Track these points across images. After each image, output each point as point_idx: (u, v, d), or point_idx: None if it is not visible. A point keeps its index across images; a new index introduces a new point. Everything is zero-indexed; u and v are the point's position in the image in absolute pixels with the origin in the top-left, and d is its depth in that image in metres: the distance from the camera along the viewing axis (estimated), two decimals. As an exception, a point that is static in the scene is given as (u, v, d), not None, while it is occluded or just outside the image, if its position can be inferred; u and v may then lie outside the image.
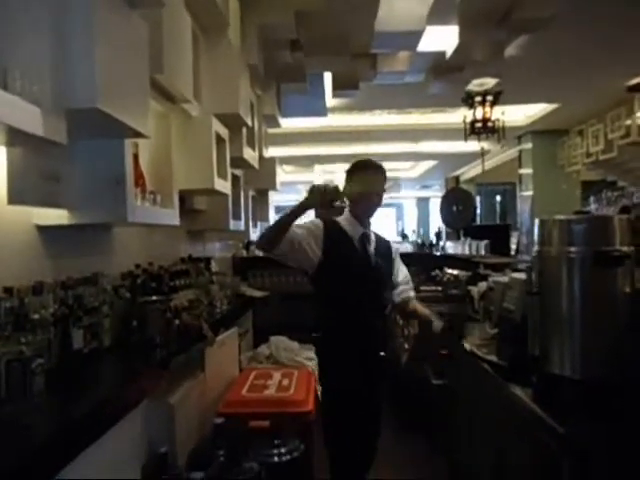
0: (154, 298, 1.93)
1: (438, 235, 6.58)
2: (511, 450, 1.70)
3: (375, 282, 2.17)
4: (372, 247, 2.20)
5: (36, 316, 1.33)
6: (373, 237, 2.23)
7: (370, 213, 2.20)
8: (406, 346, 3.75)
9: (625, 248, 1.39)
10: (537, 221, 1.58)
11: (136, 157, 1.83)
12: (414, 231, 8.60)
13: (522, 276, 1.85)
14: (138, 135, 1.59)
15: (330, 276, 2.08)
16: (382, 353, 2.19)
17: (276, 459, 2.08)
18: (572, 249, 1.43)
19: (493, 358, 1.92)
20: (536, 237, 1.57)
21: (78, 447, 1.14)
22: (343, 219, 2.18)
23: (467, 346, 2.25)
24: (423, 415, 3.17)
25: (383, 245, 2.28)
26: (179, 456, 1.97)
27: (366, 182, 2.14)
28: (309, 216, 2.25)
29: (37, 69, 1.15)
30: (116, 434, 1.34)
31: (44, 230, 1.61)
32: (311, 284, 2.17)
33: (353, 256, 2.13)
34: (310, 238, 2.06)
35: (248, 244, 4.93)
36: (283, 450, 2.11)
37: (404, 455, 2.88)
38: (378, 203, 2.17)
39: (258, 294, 3.86)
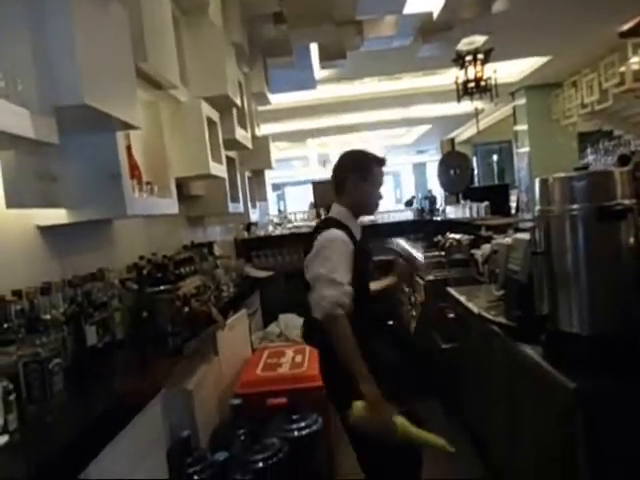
0: (161, 288, 1.94)
1: (431, 200, 6.39)
2: (523, 407, 1.74)
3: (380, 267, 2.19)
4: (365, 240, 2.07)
5: (47, 316, 1.34)
6: None
7: (375, 210, 2.08)
8: (413, 313, 3.79)
9: (627, 201, 1.39)
10: (537, 180, 1.57)
11: (129, 149, 1.81)
12: (414, 197, 8.54)
13: (525, 236, 1.85)
14: (129, 127, 1.57)
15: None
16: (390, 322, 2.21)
17: (296, 434, 2.13)
18: (574, 206, 1.43)
19: (501, 319, 1.95)
20: (537, 197, 1.56)
21: (103, 440, 1.16)
22: (345, 218, 1.94)
23: (474, 309, 2.27)
24: (435, 380, 3.22)
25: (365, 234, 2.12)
26: (201, 439, 2.02)
27: (381, 179, 1.98)
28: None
29: (20, 70, 1.13)
30: (138, 424, 1.36)
31: (46, 230, 1.61)
32: None
33: (366, 257, 2.00)
34: (345, 263, 1.81)
35: (249, 225, 4.93)
36: (302, 424, 2.16)
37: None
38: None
39: (263, 274, 3.88)
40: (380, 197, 2.02)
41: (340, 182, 1.97)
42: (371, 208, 2.04)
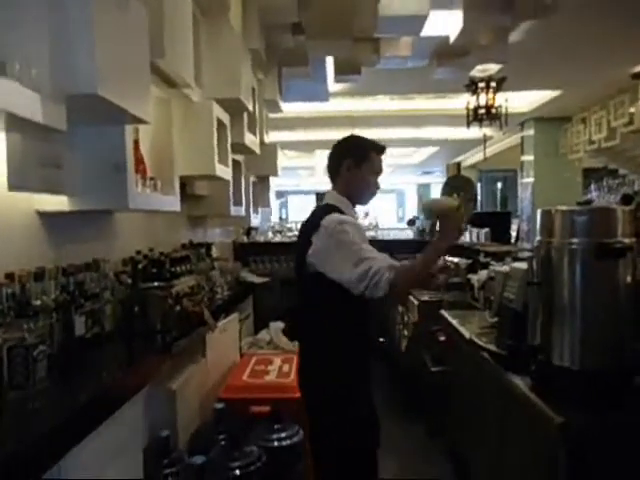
0: (155, 284, 1.93)
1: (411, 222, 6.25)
2: (509, 436, 1.72)
3: None
4: None
5: (38, 302, 1.33)
6: None
7: (370, 199, 1.94)
8: (405, 333, 3.77)
9: (627, 240, 1.39)
10: (539, 212, 1.57)
11: (137, 143, 1.82)
12: (417, 217, 8.54)
13: (523, 266, 1.85)
14: (139, 121, 1.58)
15: None
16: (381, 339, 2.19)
17: (276, 444, 2.10)
18: (574, 240, 1.43)
19: (492, 347, 1.94)
20: (538, 227, 1.56)
21: (81, 432, 1.15)
22: (345, 207, 1.84)
23: (466, 334, 2.26)
24: (421, 401, 3.20)
25: None
26: (180, 440, 1.99)
27: (378, 166, 1.87)
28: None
29: (36, 55, 1.13)
30: (118, 419, 1.35)
31: (45, 216, 1.61)
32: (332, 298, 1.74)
33: None
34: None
35: (249, 230, 4.93)
36: (283, 435, 2.13)
37: (402, 440, 2.92)
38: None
39: (258, 280, 3.87)
40: (377, 186, 1.89)
41: (334, 167, 1.88)
42: (366, 197, 1.90)
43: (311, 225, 1.75)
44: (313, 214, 1.87)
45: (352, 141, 1.92)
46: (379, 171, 1.89)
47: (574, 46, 4.03)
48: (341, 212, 1.77)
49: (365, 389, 1.89)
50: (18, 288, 1.29)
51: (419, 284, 1.66)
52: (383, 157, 1.92)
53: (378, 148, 1.88)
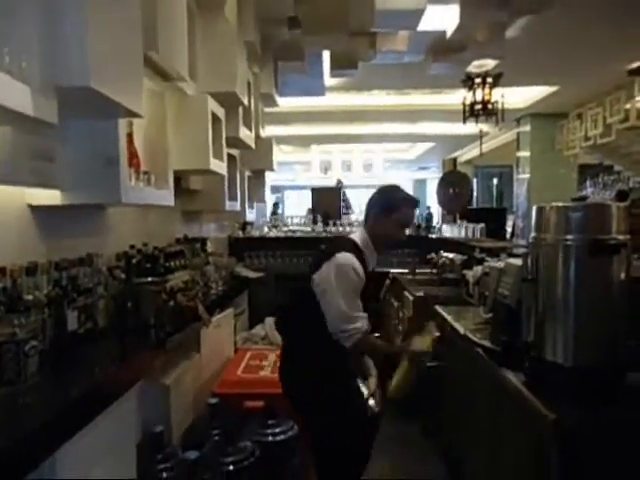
0: (149, 279, 1.92)
1: (428, 217, 6.41)
2: (502, 434, 1.73)
3: (374, 282, 2.28)
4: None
5: (29, 297, 1.32)
6: None
7: (392, 247, 2.15)
8: (400, 328, 3.78)
9: (621, 237, 1.39)
10: (534, 208, 1.57)
11: (130, 136, 1.80)
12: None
13: (518, 262, 1.85)
14: (132, 115, 1.56)
15: None
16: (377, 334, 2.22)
17: (270, 439, 2.11)
18: (568, 236, 1.42)
19: (486, 343, 1.94)
20: (533, 224, 1.56)
21: (74, 427, 1.15)
22: (365, 247, 2.01)
23: (461, 329, 2.27)
24: (416, 396, 3.20)
25: None
26: (174, 435, 1.99)
27: (407, 219, 2.05)
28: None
29: (26, 46, 1.11)
30: (112, 414, 1.35)
31: (37, 210, 1.59)
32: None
33: (368, 286, 2.03)
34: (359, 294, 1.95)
35: (244, 225, 4.91)
36: (277, 430, 2.14)
37: (396, 437, 2.93)
38: (405, 239, 2.09)
39: (253, 275, 3.86)
40: (402, 237, 2.05)
41: (367, 212, 2.08)
42: (387, 246, 2.08)
43: (330, 252, 1.97)
44: (337, 242, 2.18)
45: (386, 192, 2.10)
46: (408, 224, 2.08)
47: (571, 42, 4.03)
48: (358, 249, 1.97)
49: (354, 386, 2.04)
50: (10, 283, 1.28)
51: (376, 356, 2.13)
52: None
53: (410, 202, 2.05)
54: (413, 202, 2.07)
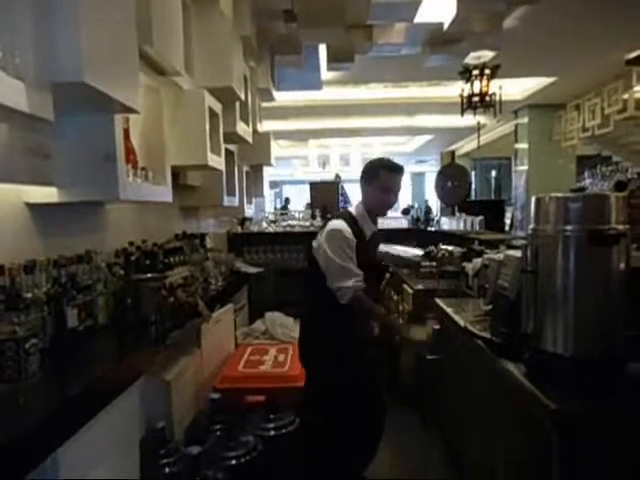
0: (148, 276, 1.92)
1: (427, 210, 6.47)
2: (503, 425, 1.73)
3: (377, 273, 2.29)
4: (374, 241, 2.27)
5: (29, 295, 1.32)
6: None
7: (386, 212, 2.28)
8: (400, 321, 3.78)
9: (620, 227, 1.39)
10: (533, 199, 1.57)
11: (127, 132, 1.78)
12: (412, 206, 8.55)
13: (517, 254, 1.85)
14: (128, 110, 1.55)
15: None
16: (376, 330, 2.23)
17: (272, 433, 2.12)
18: (567, 227, 1.42)
19: (486, 334, 1.94)
20: (532, 215, 1.56)
21: (76, 424, 1.15)
22: (360, 217, 2.18)
23: (461, 322, 2.27)
24: (417, 389, 3.22)
25: (378, 235, 2.33)
26: (176, 431, 2.00)
27: (390, 184, 2.15)
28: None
29: (20, 41, 1.10)
30: (113, 411, 1.35)
31: (35, 208, 1.58)
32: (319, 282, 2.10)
33: (367, 255, 2.15)
34: (353, 254, 2.07)
35: (243, 220, 4.90)
36: (278, 424, 2.15)
37: (397, 429, 2.94)
38: (395, 202, 2.25)
39: (253, 270, 3.86)
40: (390, 202, 2.20)
41: (360, 184, 2.23)
42: (380, 211, 2.24)
43: (326, 223, 2.20)
44: (336, 214, 2.30)
45: (369, 163, 2.25)
46: (391, 188, 2.17)
47: (568, 33, 4.01)
48: (353, 219, 2.15)
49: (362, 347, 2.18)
50: (8, 281, 1.27)
51: (366, 316, 2.18)
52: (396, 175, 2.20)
53: (391, 168, 2.17)
54: (392, 166, 2.17)
